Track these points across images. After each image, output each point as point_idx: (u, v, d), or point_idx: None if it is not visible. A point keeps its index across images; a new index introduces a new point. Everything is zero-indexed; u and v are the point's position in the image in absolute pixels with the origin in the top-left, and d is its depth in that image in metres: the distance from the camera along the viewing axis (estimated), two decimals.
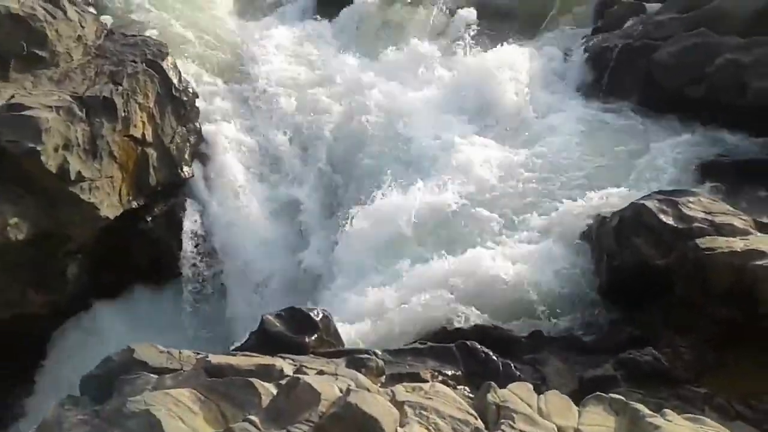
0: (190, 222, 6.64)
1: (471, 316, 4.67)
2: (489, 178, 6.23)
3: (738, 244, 4.57)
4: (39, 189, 5.76)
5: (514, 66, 8.01)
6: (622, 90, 7.50)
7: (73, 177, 5.86)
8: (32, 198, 5.73)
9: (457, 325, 4.64)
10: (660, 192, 5.28)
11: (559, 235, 5.42)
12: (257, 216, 6.91)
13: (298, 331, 4.30)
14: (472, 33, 8.69)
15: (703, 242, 4.63)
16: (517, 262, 5.14)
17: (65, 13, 6.71)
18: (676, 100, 7.00)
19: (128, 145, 6.42)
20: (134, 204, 6.46)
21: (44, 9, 6.57)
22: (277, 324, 4.33)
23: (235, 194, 6.92)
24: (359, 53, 8.54)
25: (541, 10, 8.91)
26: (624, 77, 7.49)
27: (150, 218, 6.62)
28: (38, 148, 5.61)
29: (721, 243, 4.60)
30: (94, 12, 7.54)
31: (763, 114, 6.37)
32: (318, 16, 9.49)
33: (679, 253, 4.69)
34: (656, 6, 8.01)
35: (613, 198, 5.65)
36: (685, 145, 6.51)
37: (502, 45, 8.32)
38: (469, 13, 8.99)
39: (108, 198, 6.17)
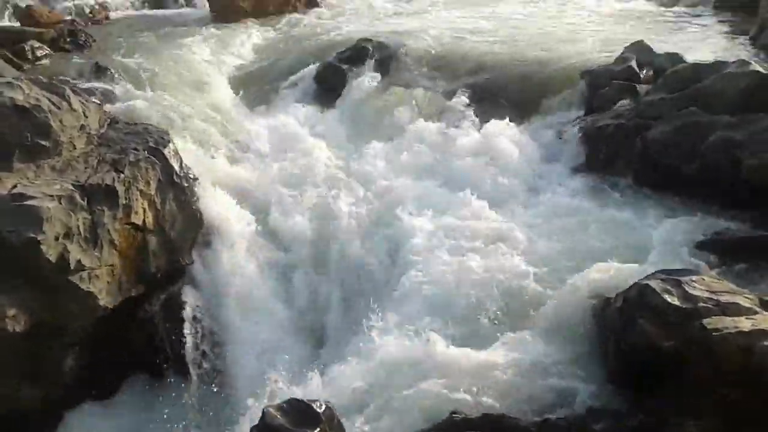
0: (191, 310, 6.57)
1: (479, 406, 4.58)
2: (487, 260, 6.20)
3: (745, 323, 4.52)
4: (38, 279, 5.73)
5: (509, 146, 8.14)
6: (618, 168, 7.60)
7: (72, 266, 5.84)
8: (31, 288, 5.69)
9: (464, 414, 4.52)
10: (662, 271, 5.25)
11: (563, 317, 5.36)
12: (261, 302, 6.86)
13: (301, 423, 4.18)
14: (466, 115, 8.89)
15: (709, 323, 4.57)
16: (520, 351, 5.06)
17: (70, 103, 6.83)
18: (672, 177, 7.08)
19: (129, 233, 6.43)
20: (133, 292, 6.40)
21: (49, 100, 6.70)
22: (279, 416, 4.22)
23: (237, 281, 6.89)
24: (358, 137, 8.69)
25: (533, 93, 9.10)
26: (619, 156, 7.60)
27: (149, 306, 6.57)
28: (38, 238, 5.62)
29: (728, 323, 4.55)
30: (98, 102, 7.70)
31: (758, 190, 6.46)
32: (316, 102, 9.73)
33: (686, 335, 4.62)
34: (646, 87, 8.19)
35: (614, 277, 5.62)
36: (684, 222, 6.52)
37: (496, 126, 8.49)
38: (463, 97, 9.18)
39: (107, 287, 6.13)
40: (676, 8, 13.48)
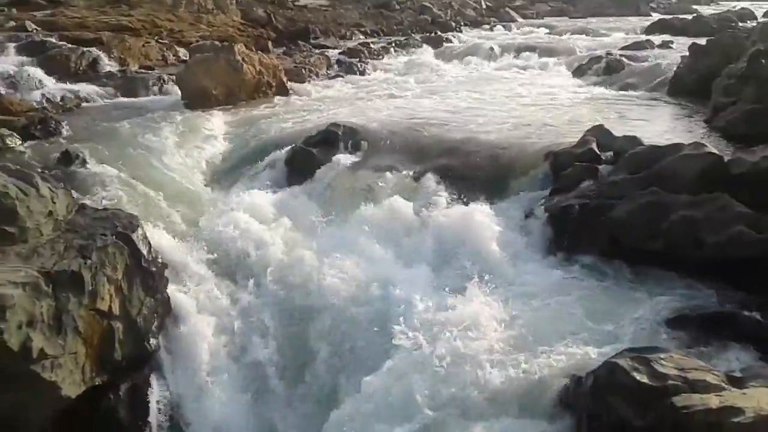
0: (156, 399, 6.37)
1: None
2: (456, 343, 6.15)
3: (713, 401, 4.56)
4: None
5: (480, 226, 8.24)
6: (584, 247, 7.71)
7: (35, 355, 5.67)
8: None
9: None
10: (631, 349, 5.30)
11: (533, 398, 5.33)
12: (227, 393, 6.69)
13: None
14: (437, 195, 9.04)
15: (679, 400, 4.61)
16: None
17: (38, 190, 6.79)
18: (638, 255, 7.22)
19: (94, 319, 6.30)
20: (97, 381, 6.21)
21: (17, 186, 6.65)
22: None
23: (204, 369, 6.74)
24: (331, 216, 8.78)
25: (500, 173, 9.31)
26: (585, 235, 7.73)
27: (113, 396, 6.37)
28: (1, 326, 5.48)
29: (697, 400, 4.58)
30: (67, 187, 7.68)
31: (721, 267, 6.61)
32: (288, 185, 9.86)
33: (656, 413, 4.64)
34: (608, 168, 8.45)
35: (584, 356, 5.64)
36: (651, 299, 6.60)
37: (467, 206, 8.63)
38: (434, 178, 9.35)
39: (70, 375, 5.95)
40: (633, 93, 14.12)
